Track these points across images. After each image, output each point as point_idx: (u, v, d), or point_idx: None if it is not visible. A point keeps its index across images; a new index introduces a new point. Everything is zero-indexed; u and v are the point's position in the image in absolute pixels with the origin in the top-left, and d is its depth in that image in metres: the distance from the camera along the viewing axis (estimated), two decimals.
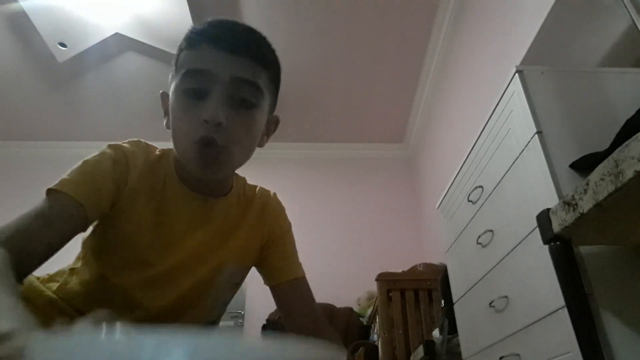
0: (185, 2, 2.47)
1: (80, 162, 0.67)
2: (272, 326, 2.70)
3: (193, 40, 0.69)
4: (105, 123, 3.63)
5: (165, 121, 0.73)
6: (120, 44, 2.83)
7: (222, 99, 0.64)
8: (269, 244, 0.83)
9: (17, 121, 3.58)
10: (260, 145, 0.75)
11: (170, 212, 0.72)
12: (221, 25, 0.69)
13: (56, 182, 0.64)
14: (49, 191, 0.63)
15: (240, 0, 2.66)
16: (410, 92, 3.41)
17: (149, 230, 0.71)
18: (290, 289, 0.81)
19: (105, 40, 2.75)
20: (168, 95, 0.72)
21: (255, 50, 0.68)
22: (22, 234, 0.57)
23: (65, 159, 4.55)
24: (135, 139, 0.75)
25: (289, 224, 0.87)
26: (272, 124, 0.78)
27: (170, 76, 0.72)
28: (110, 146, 0.71)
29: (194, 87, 0.65)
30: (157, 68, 3.07)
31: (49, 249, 0.59)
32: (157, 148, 0.77)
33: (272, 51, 0.72)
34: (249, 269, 0.83)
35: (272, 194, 0.87)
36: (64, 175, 0.65)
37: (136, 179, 0.71)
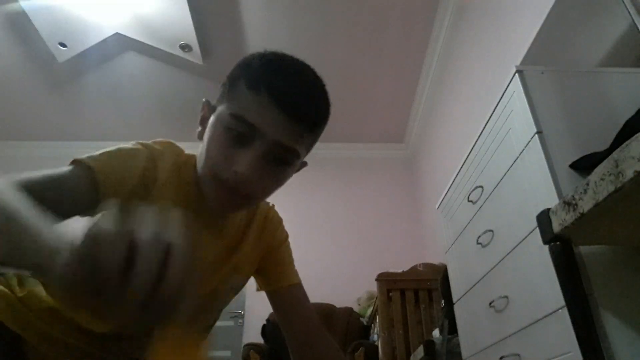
0: (185, 2, 2.47)
1: (115, 147, 0.67)
2: (272, 326, 2.70)
3: (256, 82, 0.65)
4: (105, 123, 3.63)
5: (199, 130, 0.72)
6: (120, 44, 2.83)
7: (259, 156, 0.63)
8: (267, 254, 0.86)
9: (17, 121, 3.59)
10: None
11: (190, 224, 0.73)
12: (288, 82, 0.65)
13: (86, 155, 0.63)
14: (73, 161, 0.63)
15: (241, 0, 2.66)
16: (410, 92, 3.41)
17: None
18: (286, 295, 0.84)
19: (105, 40, 2.75)
20: (209, 104, 0.71)
21: (312, 117, 0.67)
22: (37, 192, 0.51)
23: (65, 159, 4.54)
24: (165, 140, 0.74)
25: (287, 235, 0.90)
26: (300, 167, 0.77)
27: (221, 96, 0.69)
28: (142, 144, 0.70)
29: (238, 130, 0.64)
30: (157, 68, 3.07)
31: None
32: (184, 151, 0.76)
33: (327, 108, 0.71)
34: (248, 277, 0.86)
35: (271, 205, 0.89)
36: (96, 152, 0.65)
37: (162, 184, 0.70)
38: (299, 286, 0.86)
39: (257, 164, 0.63)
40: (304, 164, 0.78)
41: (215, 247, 0.75)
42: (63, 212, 0.47)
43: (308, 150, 0.72)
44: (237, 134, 0.64)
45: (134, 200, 0.66)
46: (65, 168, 0.61)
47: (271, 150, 0.64)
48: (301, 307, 0.84)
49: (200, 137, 0.70)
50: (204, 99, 0.74)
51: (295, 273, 0.87)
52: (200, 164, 0.69)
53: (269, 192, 0.69)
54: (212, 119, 0.68)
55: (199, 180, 0.71)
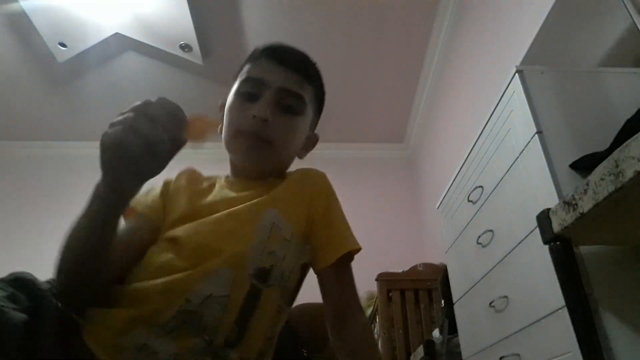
0: (185, 2, 2.47)
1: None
2: None
3: (255, 55, 0.82)
4: (106, 123, 3.57)
5: (219, 127, 0.82)
6: (120, 44, 2.83)
7: (270, 102, 0.75)
8: (314, 219, 0.77)
9: (17, 121, 3.58)
10: (300, 156, 0.86)
11: (210, 192, 0.80)
12: (280, 46, 0.82)
13: None
14: None
15: (241, 0, 2.66)
16: (410, 92, 3.41)
17: (188, 209, 0.76)
18: (326, 276, 0.76)
19: (105, 40, 2.75)
20: (224, 104, 0.83)
21: (304, 68, 0.81)
22: None
23: (65, 159, 4.53)
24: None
25: (333, 201, 0.82)
26: (312, 141, 0.88)
27: (230, 88, 0.83)
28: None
29: (249, 90, 0.77)
30: (157, 68, 3.07)
31: (125, 258, 0.70)
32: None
33: (319, 74, 0.85)
34: (295, 230, 0.74)
35: (321, 172, 0.85)
36: None
37: (184, 185, 0.82)
38: (340, 265, 0.75)
39: (270, 108, 0.74)
40: (316, 139, 0.89)
41: (242, 194, 0.76)
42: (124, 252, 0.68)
43: (314, 111, 0.85)
44: (247, 93, 0.77)
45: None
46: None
47: (280, 97, 0.76)
48: (336, 287, 0.75)
49: (221, 130, 0.81)
50: (220, 101, 0.86)
51: (342, 244, 0.75)
52: (223, 137, 0.79)
53: (287, 138, 0.78)
54: (227, 101, 0.80)
55: (232, 171, 0.84)
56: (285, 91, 0.77)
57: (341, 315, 0.73)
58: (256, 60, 0.80)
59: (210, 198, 0.77)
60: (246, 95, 0.77)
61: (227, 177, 0.85)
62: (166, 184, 0.81)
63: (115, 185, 0.55)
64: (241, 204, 0.73)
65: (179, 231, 0.69)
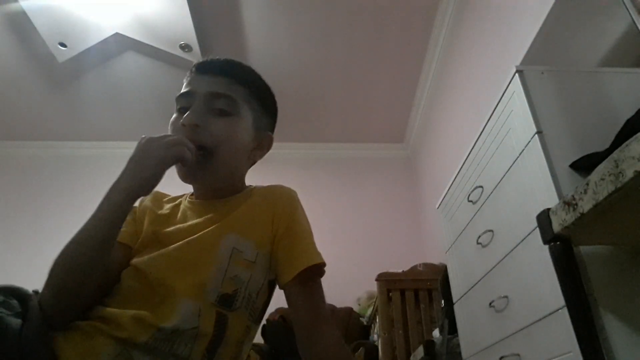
0: (185, 2, 2.47)
1: None
2: (272, 327, 2.70)
3: (187, 73, 0.84)
4: (105, 123, 3.63)
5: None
6: (120, 44, 2.83)
7: (200, 108, 0.76)
8: (279, 235, 0.76)
9: (17, 121, 3.58)
10: (252, 159, 0.85)
11: (173, 216, 0.82)
12: (210, 58, 0.83)
13: None
14: None
15: (240, 0, 2.66)
16: (410, 92, 3.41)
17: (149, 233, 0.77)
18: (293, 288, 0.75)
19: (105, 40, 2.75)
20: None
21: (230, 70, 0.81)
22: None
23: (65, 159, 4.52)
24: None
25: (299, 217, 0.80)
26: (264, 140, 0.87)
27: None
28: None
29: (181, 106, 0.79)
30: (157, 68, 3.07)
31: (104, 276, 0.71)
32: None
33: (252, 73, 0.85)
34: (259, 248, 0.75)
35: (286, 187, 0.85)
36: None
37: (140, 206, 0.84)
38: (308, 278, 0.74)
39: (201, 114, 0.75)
40: (269, 138, 0.88)
41: (204, 218, 0.78)
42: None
43: (254, 110, 0.83)
44: (181, 108, 0.79)
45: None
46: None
47: (209, 102, 0.77)
48: (306, 300, 0.74)
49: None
50: None
51: (309, 257, 0.74)
52: None
53: (224, 139, 0.76)
54: None
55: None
56: (212, 95, 0.78)
57: (309, 332, 0.71)
58: (187, 78, 0.83)
59: (171, 226, 0.77)
60: (180, 111, 0.79)
61: (191, 195, 0.86)
62: (134, 209, 0.82)
63: (143, 173, 0.66)
64: (201, 230, 0.73)
65: (141, 263, 0.71)
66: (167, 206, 0.84)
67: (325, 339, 0.70)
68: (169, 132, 0.77)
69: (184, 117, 0.75)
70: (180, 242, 0.72)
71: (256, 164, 0.91)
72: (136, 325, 0.62)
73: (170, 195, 0.88)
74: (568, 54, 1.49)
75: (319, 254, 0.76)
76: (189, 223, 0.77)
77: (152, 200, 0.85)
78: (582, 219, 0.63)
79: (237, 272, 0.71)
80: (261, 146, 0.87)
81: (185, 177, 0.78)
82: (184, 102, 0.79)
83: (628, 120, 0.81)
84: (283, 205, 0.79)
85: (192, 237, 0.73)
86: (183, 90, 0.80)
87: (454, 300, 1.44)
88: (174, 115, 0.80)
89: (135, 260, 0.72)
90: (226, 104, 0.78)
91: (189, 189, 0.87)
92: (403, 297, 2.20)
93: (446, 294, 1.55)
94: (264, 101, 0.87)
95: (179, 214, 0.81)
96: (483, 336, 1.19)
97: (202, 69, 0.81)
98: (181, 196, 0.88)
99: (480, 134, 1.25)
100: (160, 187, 0.72)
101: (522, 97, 1.00)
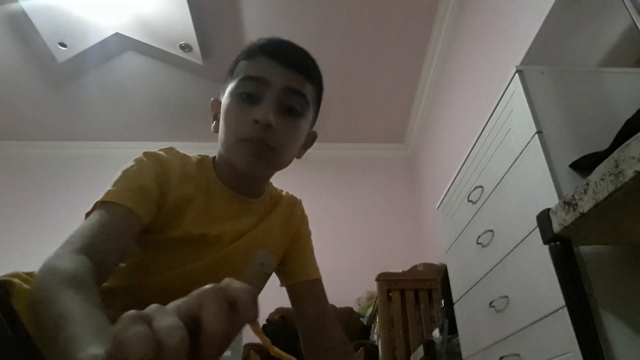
0: (185, 2, 2.47)
1: (120, 173, 0.69)
2: (272, 327, 2.70)
3: (252, 52, 0.75)
4: (105, 123, 3.63)
5: (213, 125, 0.79)
6: (120, 44, 2.83)
7: (273, 104, 0.70)
8: (293, 243, 0.88)
9: (17, 121, 3.58)
10: (298, 156, 0.81)
11: (216, 213, 0.76)
12: (279, 42, 0.75)
13: (104, 194, 0.64)
14: (101, 204, 0.63)
15: (241, 0, 2.66)
16: (410, 92, 3.41)
17: (196, 235, 0.73)
18: (306, 289, 0.85)
19: (105, 40, 2.75)
20: (218, 102, 0.78)
21: (306, 66, 0.75)
22: (97, 242, 0.56)
23: (65, 159, 4.52)
24: (168, 147, 0.78)
25: (310, 231, 0.93)
26: (310, 138, 0.84)
27: (225, 85, 0.77)
28: (145, 154, 0.73)
29: (249, 91, 0.71)
30: (157, 68, 3.07)
31: (121, 256, 0.61)
32: (191, 156, 0.80)
33: (320, 72, 0.79)
34: (276, 262, 0.86)
35: (299, 200, 0.94)
36: (110, 187, 0.66)
37: (177, 184, 0.73)
38: (318, 281, 0.87)
39: (273, 111, 0.69)
40: (314, 136, 0.85)
41: (241, 226, 0.78)
42: (119, 250, 0.60)
43: (314, 109, 0.80)
44: (248, 94, 0.70)
45: (162, 208, 0.70)
46: (104, 214, 0.62)
47: (282, 98, 0.70)
48: (319, 302, 0.85)
49: (216, 129, 0.76)
50: (212, 98, 0.81)
51: (316, 269, 0.89)
52: (222, 142, 0.74)
53: (289, 142, 0.73)
54: (223, 102, 0.75)
55: (221, 167, 0.78)
56: (289, 90, 0.71)
57: (316, 327, 0.76)
58: (254, 58, 0.74)
59: (214, 223, 0.74)
60: (246, 97, 0.71)
61: (215, 178, 0.78)
62: (157, 171, 0.72)
63: None
64: (240, 236, 0.76)
65: (173, 275, 0.70)
66: (192, 185, 0.75)
67: (332, 334, 0.75)
68: (233, 122, 0.71)
69: (259, 112, 0.67)
70: (218, 255, 0.74)
71: None
72: None
73: (188, 158, 0.79)
74: (568, 54, 1.49)
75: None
76: (232, 223, 0.76)
77: (179, 169, 0.74)
78: (582, 219, 0.63)
79: (256, 284, 0.78)
80: (306, 145, 0.83)
81: (247, 165, 0.71)
82: (253, 88, 0.70)
83: (628, 121, 0.81)
84: (302, 223, 0.90)
85: (229, 248, 0.75)
86: (254, 73, 0.71)
87: (454, 300, 1.44)
88: (235, 100, 0.71)
89: (159, 278, 0.70)
90: (298, 103, 0.72)
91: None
92: (403, 297, 2.20)
93: (446, 294, 1.55)
94: (320, 101, 0.83)
95: (216, 206, 0.75)
96: (483, 336, 1.19)
97: (277, 55, 0.72)
98: (201, 164, 0.79)
99: (480, 134, 1.25)
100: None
101: (522, 97, 1.00)
